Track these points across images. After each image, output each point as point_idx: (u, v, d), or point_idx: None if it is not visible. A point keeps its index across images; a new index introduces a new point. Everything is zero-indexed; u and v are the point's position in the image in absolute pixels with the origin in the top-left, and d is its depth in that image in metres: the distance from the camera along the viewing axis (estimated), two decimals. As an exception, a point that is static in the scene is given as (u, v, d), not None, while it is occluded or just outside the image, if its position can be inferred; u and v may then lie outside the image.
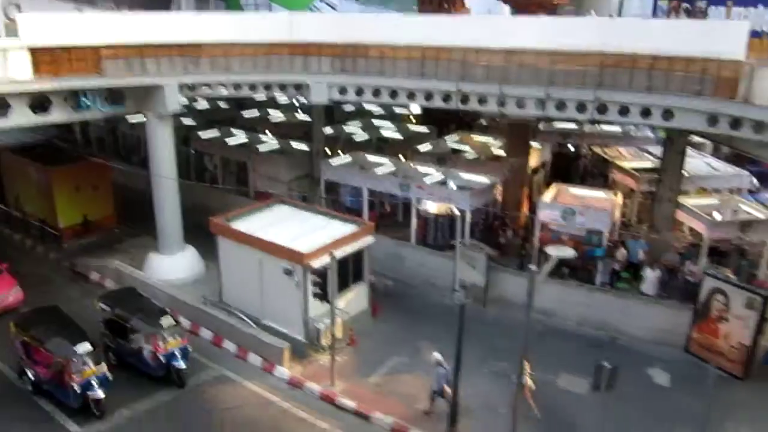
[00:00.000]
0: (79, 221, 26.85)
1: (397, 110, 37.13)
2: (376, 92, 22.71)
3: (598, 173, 30.72)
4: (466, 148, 30.17)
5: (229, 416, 16.33)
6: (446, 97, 21.44)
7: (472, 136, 31.99)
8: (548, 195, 23.43)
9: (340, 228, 20.12)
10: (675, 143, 22.16)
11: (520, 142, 25.88)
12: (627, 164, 27.67)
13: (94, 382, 15.87)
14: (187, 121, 34.22)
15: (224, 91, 23.31)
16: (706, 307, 16.68)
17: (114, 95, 21.02)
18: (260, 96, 26.69)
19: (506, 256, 23.12)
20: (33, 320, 17.50)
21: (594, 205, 22.05)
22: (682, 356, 16.93)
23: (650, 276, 20.38)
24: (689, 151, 23.54)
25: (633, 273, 21.35)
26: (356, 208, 25.85)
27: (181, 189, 23.48)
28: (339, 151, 27.61)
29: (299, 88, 23.56)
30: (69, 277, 23.97)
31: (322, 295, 17.03)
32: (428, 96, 21.84)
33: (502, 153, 27.78)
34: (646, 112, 18.63)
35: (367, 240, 19.94)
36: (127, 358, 17.72)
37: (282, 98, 37.88)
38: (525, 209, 25.74)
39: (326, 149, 28.87)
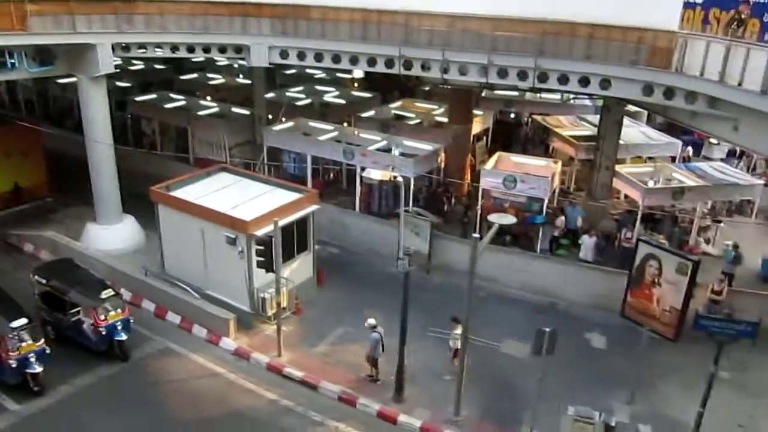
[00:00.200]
0: (9, 189, 25.70)
1: (340, 75, 36.68)
2: (319, 56, 22.30)
3: (539, 141, 31.26)
4: (409, 114, 30.15)
5: (174, 389, 16.22)
6: (389, 63, 21.21)
7: (415, 102, 31.96)
8: (490, 163, 23.73)
9: (283, 196, 19.91)
10: (612, 112, 22.68)
11: (463, 109, 26.04)
12: (566, 132, 28.22)
13: (31, 358, 15.42)
14: (123, 84, 32.96)
15: (161, 53, 22.50)
16: (640, 272, 17.27)
17: (42, 54, 20.10)
18: (199, 58, 25.90)
19: (449, 223, 23.45)
20: (-36, 295, 16.79)
21: (535, 173, 22.46)
22: (618, 320, 17.60)
23: (587, 242, 21.03)
24: (625, 120, 24.14)
25: (572, 240, 21.99)
26: (300, 175, 25.62)
27: (118, 155, 22.78)
28: (281, 117, 27.13)
29: (239, 50, 22.93)
30: (1, 249, 23.04)
31: (267, 264, 16.88)
32: (371, 61, 21.60)
33: (445, 120, 27.88)
34: (584, 81, 18.94)
35: (312, 208, 19.81)
36: (66, 332, 17.29)
37: (222, 61, 37.11)
38: (468, 177, 26.03)
39: (268, 115, 28.35)
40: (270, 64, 23.09)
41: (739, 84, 15.05)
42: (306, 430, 15.10)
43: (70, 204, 25.69)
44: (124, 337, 16.86)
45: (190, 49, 22.60)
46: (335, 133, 26.16)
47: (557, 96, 29.98)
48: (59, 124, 32.62)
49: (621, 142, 23.70)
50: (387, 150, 24.42)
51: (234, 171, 22.28)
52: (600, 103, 24.70)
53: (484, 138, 30.28)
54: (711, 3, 18.47)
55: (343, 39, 21.51)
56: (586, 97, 28.85)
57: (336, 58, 22.10)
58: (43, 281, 17.63)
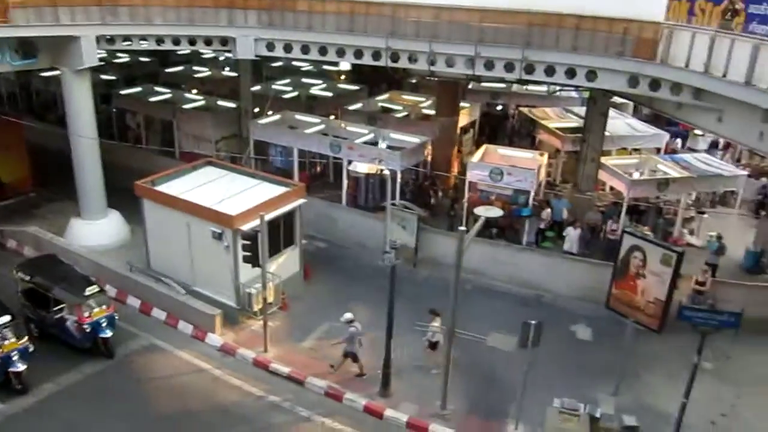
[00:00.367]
0: (-8, 184, 25.48)
1: (327, 68, 36.52)
2: (305, 48, 22.19)
3: (525, 133, 31.34)
4: (396, 107, 30.09)
5: (159, 386, 16.14)
6: (376, 55, 21.16)
7: (402, 94, 31.89)
8: (477, 155, 23.74)
9: (270, 189, 19.78)
10: (598, 104, 22.75)
11: (450, 102, 26.00)
12: (553, 124, 28.28)
13: (14, 356, 15.28)
14: (107, 78, 32.65)
15: (146, 45, 22.28)
16: (625, 264, 17.37)
17: (25, 47, 19.83)
18: (184, 50, 25.64)
19: (436, 216, 23.46)
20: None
21: (521, 165, 22.51)
22: (603, 312, 17.71)
23: (572, 234, 21.12)
24: (611, 111, 24.21)
25: (557, 232, 22.07)
26: (286, 168, 25.52)
27: (102, 149, 22.52)
28: (268, 110, 26.98)
29: (225, 43, 22.77)
30: (-17, 245, 22.82)
31: (253, 259, 16.77)
32: (358, 53, 21.51)
33: (432, 112, 27.83)
34: (571, 73, 18.97)
35: (298, 202, 19.71)
36: (50, 330, 17.11)
37: (208, 53, 36.83)
38: (455, 169, 26.03)
39: (254, 108, 28.19)
40: (256, 56, 22.93)
41: (724, 75, 15.13)
42: (293, 426, 15.08)
43: (54, 199, 25.44)
44: (109, 334, 16.74)
45: (176, 41, 22.38)
46: (322, 126, 26.05)
47: (544, 88, 30.01)
48: (42, 118, 32.34)
49: (607, 133, 23.82)
50: (374, 143, 24.36)
51: (220, 165, 22.12)
52: (586, 94, 24.78)
53: (471, 130, 30.29)
54: (696, -6, 18.59)
55: (330, 31, 21.42)
56: (572, 88, 28.91)
57: (323, 51, 21.98)
58: (27, 278, 17.44)
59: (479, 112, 30.86)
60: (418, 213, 21.74)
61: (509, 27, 19.22)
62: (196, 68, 36.01)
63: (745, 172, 24.68)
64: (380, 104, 30.28)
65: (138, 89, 31.06)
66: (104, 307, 16.85)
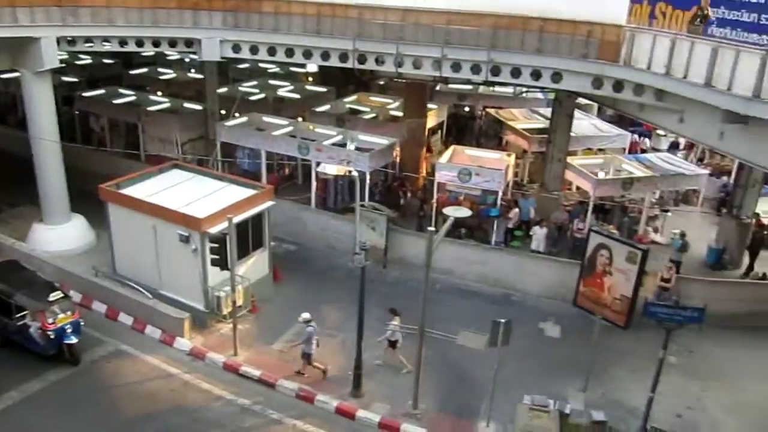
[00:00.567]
0: (-51, 189, 24.76)
1: (294, 69, 36.37)
2: (272, 50, 22.03)
3: (493, 134, 31.60)
4: (364, 108, 30.10)
5: (127, 392, 15.87)
6: (343, 57, 21.11)
7: (369, 96, 31.92)
8: (445, 156, 23.88)
9: (238, 192, 19.60)
10: (563, 105, 23.05)
11: (418, 103, 26.07)
12: (519, 125, 28.59)
13: None
14: (69, 79, 32.02)
15: (109, 47, 21.92)
16: (592, 262, 17.71)
17: (-18, 49, 19.34)
18: (149, 52, 25.30)
19: (406, 217, 23.53)
20: None
21: (489, 166, 22.72)
22: (571, 310, 18.00)
23: (538, 233, 21.36)
24: (576, 112, 24.57)
25: (525, 231, 22.31)
26: (254, 171, 25.34)
27: (66, 153, 22.12)
28: (235, 112, 26.76)
29: (190, 44, 22.49)
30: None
31: (222, 262, 16.62)
32: (325, 55, 21.44)
33: (399, 114, 27.92)
34: (536, 74, 19.19)
35: (267, 204, 19.58)
36: (13, 337, 16.67)
37: (173, 55, 36.39)
38: (423, 170, 26.14)
39: (221, 110, 27.94)
40: (222, 58, 22.71)
41: (685, 77, 15.44)
42: (264, 429, 14.95)
43: (16, 204, 24.85)
44: (74, 340, 16.39)
45: (139, 42, 22.07)
46: (290, 128, 25.91)
47: (510, 89, 30.32)
48: (2, 121, 31.59)
49: (572, 134, 24.15)
50: (342, 144, 24.32)
51: (186, 167, 21.85)
52: (552, 96, 25.09)
53: (439, 132, 30.45)
54: (658, -3, 18.98)
55: (297, 32, 21.30)
56: (538, 90, 29.26)
57: (289, 52, 21.86)
58: (-13, 284, 17.02)
59: (447, 113, 31.03)
60: (388, 214, 21.80)
61: (475, 29, 19.36)
62: (161, 70, 35.53)
63: (707, 171, 25.29)
64: (348, 106, 30.25)
65: (101, 91, 30.49)
66: (69, 313, 16.49)
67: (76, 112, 29.84)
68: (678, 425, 15.04)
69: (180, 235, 17.79)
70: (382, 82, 33.52)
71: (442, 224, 16.16)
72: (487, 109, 32.42)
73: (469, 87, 30.46)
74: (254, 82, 33.21)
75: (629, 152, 27.87)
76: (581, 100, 24.81)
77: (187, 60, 37.15)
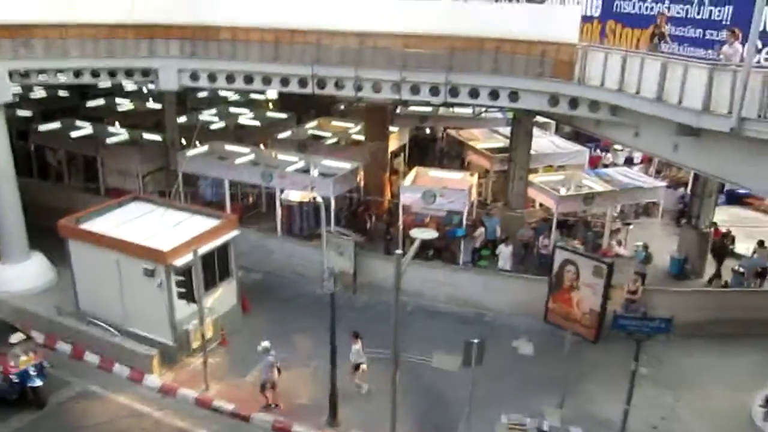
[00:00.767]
0: None
1: (254, 96, 36.27)
2: (230, 78, 21.94)
3: (455, 155, 31.91)
4: (326, 133, 30.14)
5: (96, 433, 15.39)
6: (303, 82, 21.11)
7: (331, 121, 31.98)
8: (408, 178, 24.01)
9: (202, 223, 19.31)
10: (522, 123, 23.42)
11: (379, 127, 26.25)
12: (480, 145, 28.97)
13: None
14: (24, 113, 31.30)
15: (64, 79, 21.55)
16: (559, 278, 17.89)
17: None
18: (105, 83, 24.95)
19: (372, 241, 23.52)
20: None
21: (452, 186, 22.89)
22: (542, 326, 18.10)
23: (505, 252, 21.57)
24: (535, 130, 24.99)
25: (492, 250, 22.46)
26: (217, 200, 25.08)
27: (22, 189, 21.60)
28: (195, 141, 26.49)
29: (147, 74, 22.24)
30: None
31: (188, 295, 16.35)
32: (284, 81, 21.44)
33: (361, 138, 28.02)
34: (494, 94, 19.50)
35: (232, 233, 19.35)
36: (-27, 382, 16.07)
37: (130, 85, 35.91)
38: (388, 193, 26.21)
39: (181, 139, 27.64)
40: (180, 86, 22.53)
41: (637, 92, 15.84)
42: (239, 464, 14.68)
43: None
44: (38, 383, 15.83)
45: (95, 73, 21.74)
46: (252, 156, 25.78)
47: (469, 110, 30.71)
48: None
49: (532, 152, 24.51)
50: (305, 170, 24.27)
51: (148, 200, 21.51)
52: (511, 115, 25.51)
53: (402, 154, 30.62)
54: (607, 16, 19.53)
55: (255, 60, 21.26)
56: (497, 109, 29.68)
57: (248, 79, 21.81)
58: (-56, 328, 16.39)
59: (408, 135, 31.26)
60: (355, 239, 21.74)
61: (432, 52, 19.62)
62: (118, 101, 35.02)
63: (664, 183, 25.92)
64: (309, 131, 30.27)
65: (57, 124, 29.88)
66: (32, 354, 15.96)
67: (32, 147, 29.17)
68: (654, 436, 15.21)
69: (144, 269, 17.42)
70: (342, 107, 33.63)
71: (409, 247, 16.17)
72: (448, 131, 32.78)
73: (429, 109, 30.78)
74: (214, 111, 32.97)
75: (593, 167, 28.47)
76: (539, 118, 25.26)
77: (145, 90, 36.73)
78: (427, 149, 33.16)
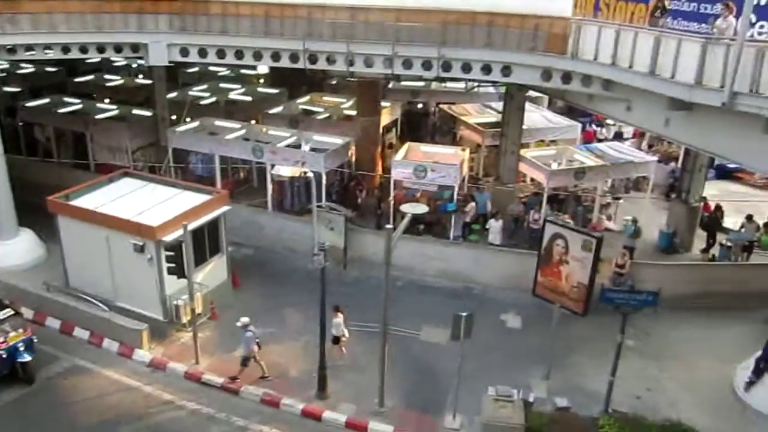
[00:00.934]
0: None
1: (245, 72, 35.98)
2: (221, 53, 21.67)
3: (447, 130, 31.78)
4: (317, 109, 29.96)
5: (87, 408, 15.45)
6: (294, 57, 20.92)
7: (322, 96, 31.78)
8: (400, 153, 23.95)
9: (192, 198, 19.27)
10: (515, 98, 23.34)
11: (371, 102, 26.10)
12: (472, 120, 28.84)
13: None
14: (11, 89, 31.01)
15: (51, 54, 21.30)
16: (549, 252, 17.92)
17: None
18: (94, 59, 24.71)
19: (363, 216, 23.53)
20: None
21: (444, 161, 22.86)
22: (530, 300, 18.19)
23: (495, 226, 21.60)
24: (527, 105, 24.90)
25: (482, 224, 22.51)
26: (208, 176, 24.99)
27: (10, 165, 21.36)
28: (185, 117, 26.31)
29: (136, 49, 21.96)
30: None
31: (178, 270, 16.34)
32: (275, 56, 21.23)
33: (353, 113, 27.87)
34: (487, 69, 19.39)
35: (222, 209, 19.31)
36: (-38, 358, 16.10)
37: (119, 61, 35.62)
38: (379, 168, 26.15)
39: (171, 115, 27.44)
40: (170, 62, 22.30)
41: (630, 66, 15.76)
42: (230, 437, 14.79)
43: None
44: (27, 358, 15.87)
45: (83, 49, 21.49)
46: (243, 132, 25.65)
47: (462, 85, 30.51)
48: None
49: (524, 127, 24.42)
50: (297, 146, 24.17)
51: (138, 176, 21.42)
52: (503, 90, 25.38)
53: (394, 129, 30.51)
54: (601, -11, 19.30)
55: (246, 34, 21.03)
56: (489, 84, 29.50)
57: (239, 54, 21.58)
58: (-68, 304, 16.36)
59: (400, 110, 31.11)
60: (345, 214, 21.74)
61: (424, 26, 19.46)
62: (107, 77, 34.70)
63: (655, 158, 25.93)
64: (301, 107, 30.07)
65: (46, 100, 29.64)
66: (21, 330, 15.95)
67: (20, 123, 28.95)
68: (638, 406, 15.39)
69: (134, 244, 17.42)
70: (334, 82, 33.40)
71: (400, 221, 16.20)
72: (440, 105, 32.61)
73: (422, 84, 30.62)
74: (204, 86, 32.70)
75: (587, 142, 28.42)
76: (532, 93, 25.16)
77: (134, 66, 36.40)
78: (420, 124, 33.03)
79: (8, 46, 20.08)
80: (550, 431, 14.09)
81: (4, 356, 15.55)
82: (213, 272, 19.06)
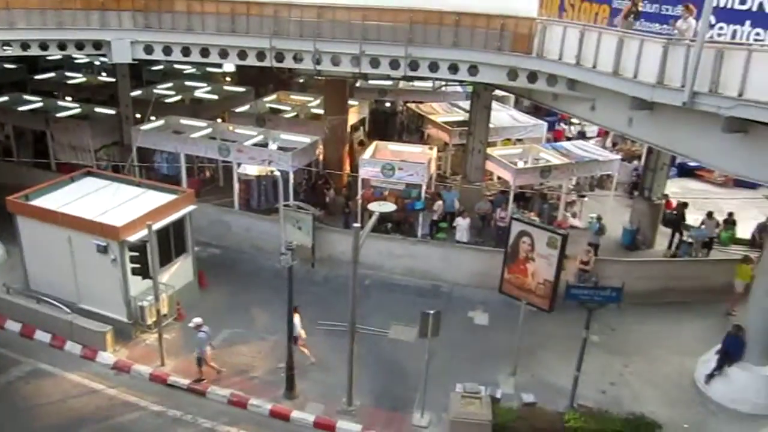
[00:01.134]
0: None
1: (211, 70, 35.60)
2: (186, 51, 21.41)
3: (414, 128, 31.93)
4: (284, 107, 29.80)
5: (49, 412, 15.10)
6: (261, 55, 20.77)
7: (290, 95, 31.63)
8: (368, 152, 23.95)
9: (157, 198, 18.98)
10: (481, 97, 23.49)
11: (338, 100, 26.07)
12: (440, 119, 29.00)
13: None
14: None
15: (10, 51, 20.77)
16: (515, 249, 18.13)
17: None
18: (55, 56, 24.17)
19: (331, 215, 23.47)
20: None
21: (412, 160, 22.93)
22: (497, 297, 18.38)
23: (462, 224, 21.77)
24: (494, 104, 25.10)
25: (450, 223, 22.64)
26: (174, 175, 24.66)
27: (-32, 166, 20.90)
28: (150, 115, 25.92)
29: (99, 46, 21.57)
30: None
31: (143, 271, 16.10)
32: (242, 54, 21.03)
33: (321, 111, 27.78)
34: (454, 68, 19.51)
35: (188, 208, 19.06)
36: None
37: (81, 58, 34.94)
38: (347, 167, 26.12)
39: (135, 114, 27.00)
40: (134, 60, 21.92)
41: (594, 66, 16.01)
42: (197, 438, 14.62)
43: None
44: (-13, 363, 15.55)
45: (43, 46, 21.00)
46: (209, 130, 25.40)
47: (429, 84, 30.68)
48: None
49: (491, 125, 24.64)
50: (264, 145, 23.99)
51: (101, 175, 21.02)
52: (470, 89, 25.56)
53: (361, 128, 30.51)
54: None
55: (211, 32, 20.80)
56: (456, 83, 29.72)
57: (204, 52, 21.33)
58: None
59: (368, 109, 31.11)
60: (313, 213, 21.62)
61: (391, 25, 19.48)
62: (69, 74, 34.05)
63: (619, 157, 26.37)
64: (268, 105, 29.88)
65: (5, 98, 28.91)
66: (-21, 334, 15.63)
67: (-22, 122, 28.22)
68: (603, 401, 15.61)
69: (97, 245, 17.10)
70: (301, 80, 33.29)
71: (368, 220, 16.20)
72: (408, 104, 32.72)
73: (389, 83, 30.66)
74: (170, 84, 32.31)
75: (555, 140, 28.77)
76: (498, 92, 25.36)
77: (97, 63, 35.76)
78: (387, 123, 33.08)
79: (-35, 43, 19.58)
80: (517, 427, 14.21)
81: (-38, 361, 15.19)
82: (179, 272, 18.82)
